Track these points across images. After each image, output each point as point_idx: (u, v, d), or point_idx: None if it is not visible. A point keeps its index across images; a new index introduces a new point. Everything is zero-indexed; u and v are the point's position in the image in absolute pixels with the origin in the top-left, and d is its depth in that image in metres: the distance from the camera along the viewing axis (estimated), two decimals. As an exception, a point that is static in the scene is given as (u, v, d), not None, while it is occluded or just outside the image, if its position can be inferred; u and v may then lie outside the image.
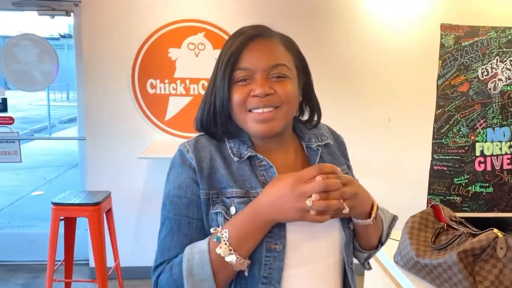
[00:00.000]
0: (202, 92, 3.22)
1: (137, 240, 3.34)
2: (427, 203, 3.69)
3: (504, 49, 3.52)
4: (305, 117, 1.06)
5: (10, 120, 3.49)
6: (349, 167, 1.08)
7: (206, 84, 3.22)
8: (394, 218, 1.08)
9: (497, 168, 3.71)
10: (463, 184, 3.71)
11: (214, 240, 0.86)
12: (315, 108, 1.05)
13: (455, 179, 3.70)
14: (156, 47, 3.17)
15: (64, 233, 2.84)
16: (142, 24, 3.16)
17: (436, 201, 3.70)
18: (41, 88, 3.55)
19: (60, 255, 2.82)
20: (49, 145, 10.07)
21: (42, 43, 3.43)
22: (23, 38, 3.40)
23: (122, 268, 3.03)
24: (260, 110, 0.91)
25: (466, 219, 1.49)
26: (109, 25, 3.14)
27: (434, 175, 3.68)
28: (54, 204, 2.63)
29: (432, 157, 3.67)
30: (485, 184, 3.72)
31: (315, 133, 1.05)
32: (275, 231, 0.88)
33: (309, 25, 3.27)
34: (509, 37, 3.48)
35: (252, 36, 0.93)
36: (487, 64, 3.54)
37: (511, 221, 1.73)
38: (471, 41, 3.48)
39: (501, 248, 1.26)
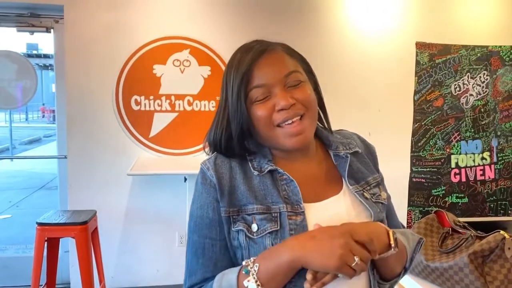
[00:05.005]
0: (188, 108, 3.22)
1: (121, 260, 3.24)
2: (407, 215, 3.80)
3: (474, 66, 3.71)
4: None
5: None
6: (380, 178, 1.04)
7: (191, 100, 3.23)
8: (419, 242, 1.01)
9: (471, 179, 3.88)
10: (441, 195, 3.85)
11: (244, 272, 0.83)
12: (324, 109, 1.03)
13: (433, 191, 3.83)
14: (141, 64, 3.16)
15: (47, 255, 2.73)
16: (127, 41, 3.14)
17: (416, 213, 3.82)
18: (18, 106, 3.44)
19: (41, 279, 2.70)
20: (12, 167, 9.69)
21: (20, 60, 3.34)
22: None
23: (107, 289, 2.94)
24: (289, 121, 0.90)
25: (468, 223, 1.56)
26: (93, 41, 3.11)
27: (413, 187, 3.79)
28: (39, 224, 2.53)
29: (411, 169, 3.79)
30: (460, 195, 3.87)
31: (342, 141, 1.02)
32: (297, 277, 0.84)
33: (289, 40, 3.35)
34: (478, 55, 3.69)
35: (258, 53, 0.91)
36: (459, 80, 3.72)
37: (510, 225, 1.81)
38: (444, 59, 3.65)
39: (509, 248, 1.32)
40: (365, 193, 0.96)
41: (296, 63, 0.95)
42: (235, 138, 0.93)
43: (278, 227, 0.87)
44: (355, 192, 0.94)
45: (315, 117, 0.96)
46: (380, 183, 1.02)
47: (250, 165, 0.94)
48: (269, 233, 0.87)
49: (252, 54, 0.91)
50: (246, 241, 0.87)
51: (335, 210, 0.93)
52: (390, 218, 1.05)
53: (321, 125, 1.04)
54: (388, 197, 1.05)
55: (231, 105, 0.92)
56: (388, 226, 0.99)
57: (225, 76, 0.95)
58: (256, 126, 0.92)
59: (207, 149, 1.00)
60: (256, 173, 0.92)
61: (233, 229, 0.89)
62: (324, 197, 0.94)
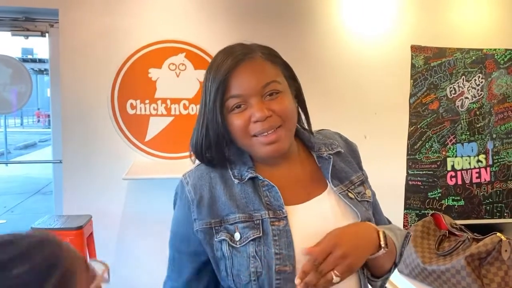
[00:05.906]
0: (184, 112, 3.21)
1: (117, 265, 3.22)
2: (404, 218, 3.81)
3: (469, 69, 3.74)
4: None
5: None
6: (364, 176, 1.05)
7: (187, 104, 3.22)
8: (407, 236, 1.02)
9: (467, 181, 3.89)
10: (437, 198, 3.86)
11: None
12: (306, 112, 1.02)
13: (429, 194, 3.85)
14: (137, 68, 3.14)
15: (42, 261, 2.71)
16: (122, 45, 3.13)
17: (412, 216, 3.82)
18: (13, 110, 3.42)
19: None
20: (7, 173, 9.64)
21: (15, 64, 3.33)
22: (-6, 59, 3.28)
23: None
24: (265, 133, 0.90)
25: (464, 226, 1.56)
26: (88, 45, 3.09)
27: (410, 190, 3.82)
28: (34, 229, 2.51)
29: (407, 172, 3.81)
30: (457, 198, 3.89)
31: (324, 142, 1.02)
32: (284, 252, 0.86)
33: (285, 44, 3.35)
34: (473, 58, 3.71)
35: (236, 62, 0.89)
36: (455, 83, 3.75)
37: (506, 227, 1.81)
38: (439, 62, 3.68)
39: (506, 250, 1.32)
40: (349, 193, 0.96)
41: (277, 71, 0.93)
42: (213, 146, 0.93)
43: (261, 234, 0.87)
44: (340, 193, 0.95)
45: (293, 127, 0.96)
46: (364, 181, 1.03)
47: (230, 173, 0.94)
48: (252, 240, 0.87)
49: (231, 61, 0.89)
50: (230, 251, 0.88)
51: (320, 210, 0.93)
52: (376, 214, 1.06)
53: (302, 127, 1.03)
54: (373, 194, 1.06)
55: (208, 113, 0.91)
56: (374, 223, 1.00)
57: (204, 80, 0.94)
58: (233, 134, 0.92)
59: (193, 158, 1.01)
60: (236, 181, 0.93)
61: (215, 239, 0.90)
62: (308, 198, 0.94)
